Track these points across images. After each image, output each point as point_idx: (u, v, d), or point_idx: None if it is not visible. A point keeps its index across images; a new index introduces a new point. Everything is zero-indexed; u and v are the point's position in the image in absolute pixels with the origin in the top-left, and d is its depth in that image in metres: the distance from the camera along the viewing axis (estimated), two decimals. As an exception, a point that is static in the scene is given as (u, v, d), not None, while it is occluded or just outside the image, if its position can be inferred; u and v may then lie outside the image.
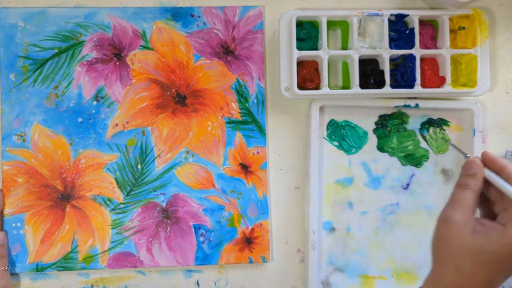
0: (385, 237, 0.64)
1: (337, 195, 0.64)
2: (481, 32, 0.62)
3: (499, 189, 0.44)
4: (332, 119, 0.64)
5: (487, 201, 0.47)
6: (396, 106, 0.63)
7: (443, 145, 0.65)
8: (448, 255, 0.42)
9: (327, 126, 0.64)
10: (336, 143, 0.64)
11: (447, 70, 0.61)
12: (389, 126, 0.64)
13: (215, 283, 0.63)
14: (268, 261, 0.63)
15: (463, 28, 0.62)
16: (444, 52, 0.61)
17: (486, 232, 0.42)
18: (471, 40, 0.62)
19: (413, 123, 0.65)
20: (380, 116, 0.64)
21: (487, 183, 0.46)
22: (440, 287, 0.43)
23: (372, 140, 0.64)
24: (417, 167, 0.65)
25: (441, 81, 0.62)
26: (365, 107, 0.63)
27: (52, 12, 0.62)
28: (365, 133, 0.64)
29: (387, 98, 0.62)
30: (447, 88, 0.61)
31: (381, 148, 0.64)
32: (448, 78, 0.61)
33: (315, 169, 0.62)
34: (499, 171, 0.44)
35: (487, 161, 0.46)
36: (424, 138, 0.65)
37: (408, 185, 0.65)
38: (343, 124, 0.64)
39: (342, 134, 0.64)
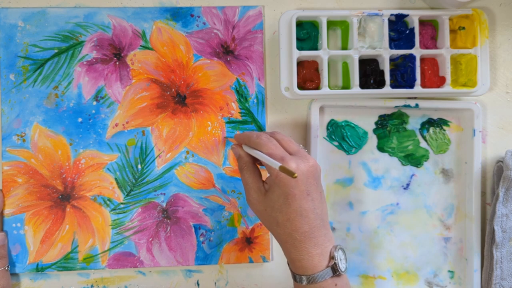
0: (385, 237, 0.64)
1: (337, 195, 0.64)
2: (481, 32, 0.62)
3: (254, 156, 0.52)
4: (332, 119, 0.64)
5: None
6: (396, 106, 0.63)
7: (443, 145, 0.65)
8: (267, 221, 0.51)
9: (327, 126, 0.64)
10: (336, 143, 0.64)
11: (447, 70, 0.61)
12: (389, 126, 0.64)
13: (215, 283, 0.63)
14: (268, 261, 0.63)
15: (463, 28, 0.62)
16: (444, 52, 0.61)
17: (269, 188, 0.51)
18: (471, 40, 0.62)
19: (413, 123, 0.65)
20: (380, 116, 0.64)
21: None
22: (283, 243, 0.51)
23: (372, 140, 0.64)
24: (417, 167, 0.65)
25: (441, 81, 0.62)
26: (365, 107, 0.63)
27: (52, 12, 0.62)
28: (365, 133, 0.64)
29: (387, 98, 0.62)
30: (447, 88, 0.61)
31: (381, 148, 0.64)
32: (448, 78, 0.61)
33: None
34: (248, 142, 0.53)
35: (238, 140, 0.55)
36: (424, 138, 0.65)
37: (408, 185, 0.65)
38: (343, 124, 0.64)
39: (342, 134, 0.64)
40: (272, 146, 0.51)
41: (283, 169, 0.46)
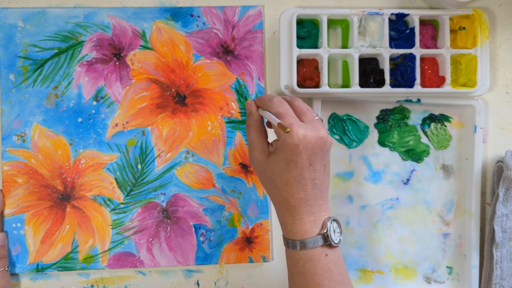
0: (384, 231, 0.64)
1: (337, 189, 0.64)
2: (481, 32, 0.62)
3: (268, 119, 0.51)
4: (334, 113, 0.64)
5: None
6: (398, 101, 0.63)
7: (444, 141, 0.65)
8: (265, 181, 0.52)
9: (329, 120, 0.64)
10: (337, 137, 0.64)
11: (447, 70, 0.61)
12: (390, 120, 0.64)
13: (215, 283, 0.63)
14: (268, 261, 0.63)
15: (464, 28, 0.62)
16: (444, 52, 0.61)
17: (274, 151, 0.51)
18: (471, 40, 0.62)
19: (415, 118, 0.65)
20: (382, 111, 0.65)
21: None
22: (277, 205, 0.51)
23: (373, 134, 0.64)
24: (418, 162, 0.65)
25: (441, 81, 0.62)
26: (367, 101, 0.63)
27: (51, 12, 0.62)
28: (366, 127, 0.64)
29: (387, 97, 0.62)
30: (447, 88, 0.61)
31: (382, 142, 0.64)
32: (448, 78, 0.61)
33: None
34: (267, 107, 0.52)
35: (257, 102, 0.54)
36: (425, 133, 0.65)
37: (408, 180, 0.65)
38: (344, 118, 0.64)
39: (343, 128, 0.64)
40: (281, 110, 0.50)
41: (280, 125, 0.47)
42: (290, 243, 0.50)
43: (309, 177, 0.49)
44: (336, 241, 0.49)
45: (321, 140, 0.49)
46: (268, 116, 0.51)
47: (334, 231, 0.49)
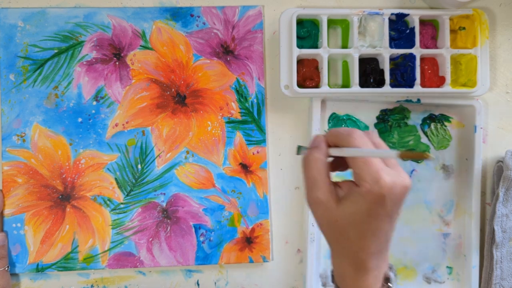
0: (384, 232, 0.64)
1: (337, 188, 0.64)
2: (482, 32, 0.62)
3: (348, 156, 0.43)
4: (334, 113, 0.64)
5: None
6: (398, 101, 0.63)
7: (444, 141, 0.65)
8: (332, 231, 0.44)
9: (329, 120, 0.64)
10: (337, 137, 0.64)
11: (447, 70, 0.61)
12: (390, 120, 0.64)
13: (215, 283, 0.63)
14: (268, 261, 0.63)
15: (464, 28, 0.62)
16: (444, 52, 0.61)
17: (346, 197, 0.43)
18: (471, 40, 0.62)
19: (415, 118, 0.65)
20: (382, 111, 0.65)
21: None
22: (342, 257, 0.45)
23: (373, 134, 0.65)
24: (418, 162, 0.65)
25: (441, 81, 0.62)
26: (367, 101, 0.63)
27: (51, 12, 0.62)
28: (366, 127, 0.64)
29: (387, 97, 0.62)
30: (447, 88, 0.61)
31: (382, 142, 0.65)
32: (448, 78, 0.61)
33: None
34: (346, 143, 0.44)
35: (330, 137, 0.45)
36: (425, 133, 0.65)
37: None
38: (344, 118, 0.64)
39: None
40: (369, 146, 0.43)
41: (407, 153, 0.40)
42: None
43: (385, 229, 0.43)
44: None
45: (406, 190, 0.42)
46: (361, 153, 0.42)
47: (394, 282, 0.46)
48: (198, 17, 0.63)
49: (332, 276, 0.47)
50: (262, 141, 0.63)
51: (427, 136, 0.65)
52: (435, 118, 0.65)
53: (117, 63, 0.62)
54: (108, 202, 0.62)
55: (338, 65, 0.63)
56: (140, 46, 0.62)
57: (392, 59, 0.62)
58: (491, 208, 0.63)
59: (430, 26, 0.63)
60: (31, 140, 0.61)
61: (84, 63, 0.62)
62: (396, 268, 0.64)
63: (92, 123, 0.62)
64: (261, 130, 0.63)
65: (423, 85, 0.62)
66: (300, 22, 0.62)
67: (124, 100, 0.62)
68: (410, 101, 0.63)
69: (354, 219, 0.42)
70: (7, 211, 0.61)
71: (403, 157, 0.40)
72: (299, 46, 0.60)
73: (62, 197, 0.61)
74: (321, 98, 0.62)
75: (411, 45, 0.61)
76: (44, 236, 0.61)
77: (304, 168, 0.45)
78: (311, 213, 0.47)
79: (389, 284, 0.45)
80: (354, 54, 0.60)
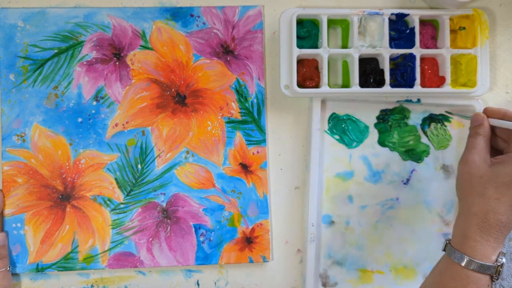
0: (384, 231, 0.64)
1: (337, 189, 0.64)
2: (482, 32, 0.62)
3: (505, 127, 0.51)
4: (334, 113, 0.64)
5: (496, 152, 0.54)
6: (398, 101, 0.63)
7: (444, 141, 0.65)
8: (471, 187, 0.49)
9: (329, 120, 0.64)
10: (337, 137, 0.64)
11: (447, 70, 0.61)
12: (390, 120, 0.64)
13: (215, 283, 0.63)
14: (268, 261, 0.63)
15: (464, 28, 0.62)
16: (444, 52, 0.61)
17: (502, 161, 0.49)
18: (471, 40, 0.62)
19: (415, 118, 0.65)
20: (382, 111, 0.65)
21: (492, 135, 0.53)
22: (470, 215, 0.49)
23: (373, 134, 0.64)
24: (418, 162, 0.65)
25: (441, 81, 0.62)
26: (367, 101, 0.63)
27: (51, 12, 0.62)
28: (366, 127, 0.64)
29: (387, 97, 0.62)
30: (447, 88, 0.61)
31: (382, 142, 0.64)
32: (448, 78, 0.61)
33: (315, 163, 0.62)
34: (502, 117, 0.52)
35: (490, 113, 0.53)
36: (425, 133, 0.65)
37: (408, 180, 0.65)
38: (344, 118, 0.64)
39: (343, 128, 0.64)
40: None
41: None
42: (462, 257, 0.48)
43: None
44: (497, 279, 0.48)
45: None
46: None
47: (502, 267, 0.48)
48: (198, 17, 0.63)
49: (447, 243, 0.51)
50: (262, 141, 0.63)
51: (427, 136, 0.65)
52: (435, 118, 0.65)
53: (117, 63, 0.62)
54: (108, 202, 0.62)
55: (338, 65, 0.63)
56: (140, 46, 0.62)
57: (392, 59, 0.62)
58: (491, 208, 0.63)
59: (430, 26, 0.63)
60: (31, 140, 0.61)
61: (84, 63, 0.62)
62: (396, 268, 0.65)
63: (92, 123, 0.62)
64: (261, 130, 0.63)
65: (423, 85, 0.62)
66: (300, 22, 0.62)
67: (124, 100, 0.62)
68: (410, 101, 0.63)
69: (499, 180, 0.47)
70: (7, 211, 0.61)
71: None
72: (299, 46, 0.60)
73: (62, 197, 0.61)
74: (321, 98, 0.62)
75: (411, 45, 0.61)
76: (44, 236, 0.61)
77: (471, 137, 0.52)
78: (456, 172, 0.54)
79: (500, 265, 0.48)
80: (354, 54, 0.60)
